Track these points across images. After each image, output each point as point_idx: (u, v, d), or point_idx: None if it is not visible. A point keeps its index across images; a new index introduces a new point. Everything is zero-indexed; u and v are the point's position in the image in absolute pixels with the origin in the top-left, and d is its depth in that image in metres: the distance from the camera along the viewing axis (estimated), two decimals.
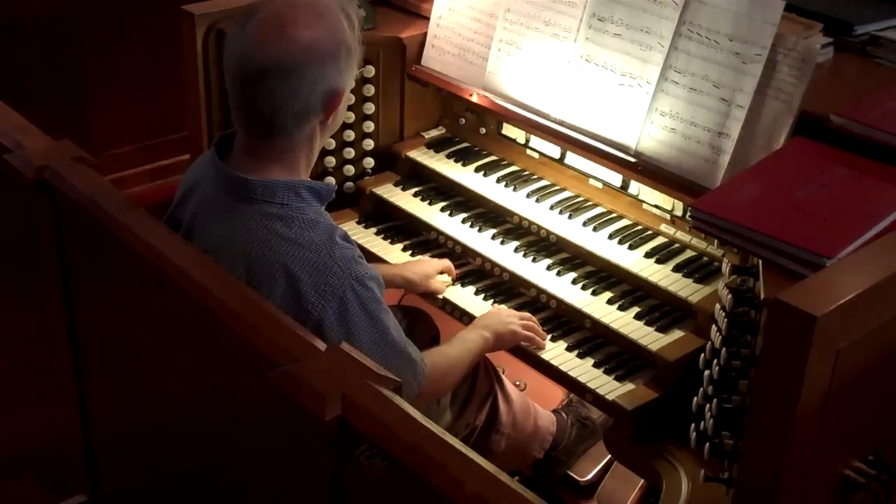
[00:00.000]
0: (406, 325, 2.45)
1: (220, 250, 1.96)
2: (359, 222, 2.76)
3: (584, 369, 2.26)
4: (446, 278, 2.54)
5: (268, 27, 1.88)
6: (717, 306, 1.99)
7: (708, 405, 1.93)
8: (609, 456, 2.57)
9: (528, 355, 2.34)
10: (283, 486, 1.82)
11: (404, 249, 2.66)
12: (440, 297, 2.51)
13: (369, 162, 2.87)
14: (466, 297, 2.50)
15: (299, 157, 1.99)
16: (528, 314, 2.38)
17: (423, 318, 2.62)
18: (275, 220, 1.92)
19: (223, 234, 1.97)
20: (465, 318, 2.46)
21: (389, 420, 1.53)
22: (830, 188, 1.89)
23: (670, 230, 2.45)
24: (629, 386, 2.20)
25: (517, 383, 2.84)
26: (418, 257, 2.61)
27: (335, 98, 1.94)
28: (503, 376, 2.63)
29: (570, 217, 2.53)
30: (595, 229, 2.49)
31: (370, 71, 2.75)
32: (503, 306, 2.44)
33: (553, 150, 2.67)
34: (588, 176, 2.60)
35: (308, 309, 1.89)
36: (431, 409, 2.37)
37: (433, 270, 2.52)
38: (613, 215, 2.54)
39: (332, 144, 2.79)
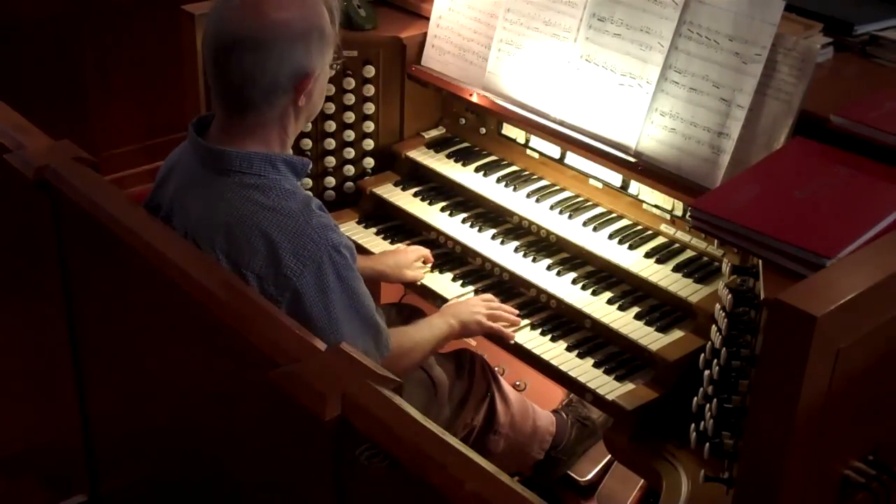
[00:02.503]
0: (401, 323, 2.45)
1: (200, 223, 1.99)
2: (359, 222, 2.76)
3: (584, 369, 2.26)
4: (427, 267, 2.54)
5: (245, 5, 1.93)
6: (717, 306, 1.99)
7: (708, 405, 1.93)
8: (609, 456, 2.57)
9: (528, 355, 2.34)
10: (284, 486, 1.82)
11: None
12: (419, 284, 2.52)
13: (369, 162, 2.87)
14: (466, 297, 2.49)
15: (271, 134, 2.01)
16: (497, 304, 2.40)
17: (419, 315, 2.62)
18: (252, 190, 1.96)
19: (203, 207, 2.00)
20: None
21: (389, 420, 1.53)
22: (830, 188, 1.89)
23: (670, 230, 2.45)
24: (629, 386, 2.20)
25: (517, 384, 2.84)
26: (395, 246, 2.61)
27: (305, 79, 1.97)
28: (501, 377, 2.64)
29: (570, 217, 2.53)
30: (595, 229, 2.49)
31: (370, 71, 2.75)
32: (488, 294, 2.46)
33: (553, 150, 2.67)
34: (588, 176, 2.60)
35: (286, 274, 1.92)
36: (431, 403, 2.38)
37: (407, 260, 2.53)
38: (613, 215, 2.54)
39: (333, 144, 2.79)
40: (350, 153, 2.82)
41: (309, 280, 1.93)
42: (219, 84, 1.98)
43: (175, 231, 2.03)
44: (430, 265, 2.57)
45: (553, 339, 2.35)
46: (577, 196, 2.62)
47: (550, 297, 2.41)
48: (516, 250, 2.53)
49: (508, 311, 2.40)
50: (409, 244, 2.64)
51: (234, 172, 1.97)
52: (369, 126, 2.82)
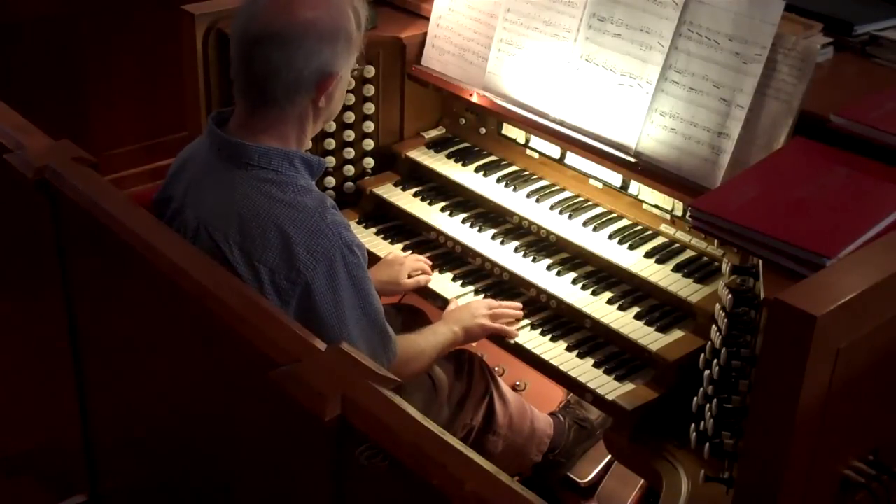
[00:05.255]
0: (401, 322, 2.45)
1: (215, 215, 2.00)
2: (359, 222, 2.76)
3: (584, 369, 2.26)
4: (425, 277, 2.54)
5: (275, 2, 1.96)
6: (717, 306, 1.99)
7: (708, 405, 1.93)
8: (609, 456, 2.57)
9: (528, 355, 2.34)
10: (284, 486, 1.82)
11: (404, 249, 2.66)
12: (424, 285, 2.52)
13: (369, 162, 2.87)
14: (466, 298, 2.49)
15: (289, 132, 2.03)
16: (496, 303, 2.40)
17: (418, 315, 2.62)
18: (269, 185, 1.98)
19: (217, 199, 2.01)
20: None
21: (389, 420, 1.53)
22: (830, 188, 1.89)
23: (670, 230, 2.45)
24: (629, 386, 2.20)
25: (517, 384, 2.84)
26: (390, 256, 2.59)
27: (328, 79, 1.99)
28: (499, 377, 2.64)
29: (570, 217, 2.53)
30: (595, 229, 2.49)
31: (370, 71, 2.75)
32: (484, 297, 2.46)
33: (553, 150, 2.67)
34: (588, 176, 2.60)
35: (299, 269, 1.93)
36: (432, 403, 2.38)
37: (402, 275, 2.50)
38: (613, 215, 2.54)
39: (333, 144, 2.79)
40: (350, 153, 2.81)
41: (321, 276, 1.94)
42: (243, 78, 2.00)
43: (186, 223, 2.04)
44: (425, 271, 2.55)
45: (553, 339, 2.35)
46: (577, 196, 2.62)
47: (550, 297, 2.41)
48: (516, 250, 2.53)
49: (509, 306, 2.40)
50: (432, 257, 2.62)
51: (251, 166, 1.98)
52: (369, 126, 2.82)
